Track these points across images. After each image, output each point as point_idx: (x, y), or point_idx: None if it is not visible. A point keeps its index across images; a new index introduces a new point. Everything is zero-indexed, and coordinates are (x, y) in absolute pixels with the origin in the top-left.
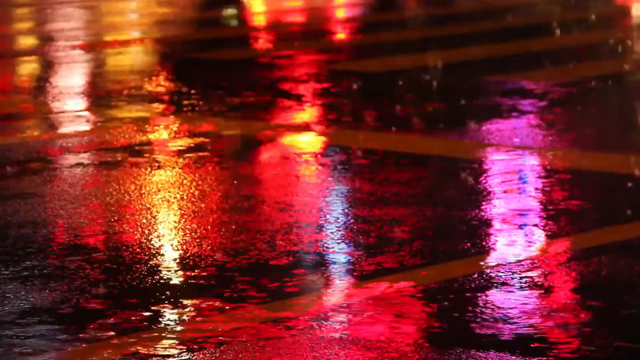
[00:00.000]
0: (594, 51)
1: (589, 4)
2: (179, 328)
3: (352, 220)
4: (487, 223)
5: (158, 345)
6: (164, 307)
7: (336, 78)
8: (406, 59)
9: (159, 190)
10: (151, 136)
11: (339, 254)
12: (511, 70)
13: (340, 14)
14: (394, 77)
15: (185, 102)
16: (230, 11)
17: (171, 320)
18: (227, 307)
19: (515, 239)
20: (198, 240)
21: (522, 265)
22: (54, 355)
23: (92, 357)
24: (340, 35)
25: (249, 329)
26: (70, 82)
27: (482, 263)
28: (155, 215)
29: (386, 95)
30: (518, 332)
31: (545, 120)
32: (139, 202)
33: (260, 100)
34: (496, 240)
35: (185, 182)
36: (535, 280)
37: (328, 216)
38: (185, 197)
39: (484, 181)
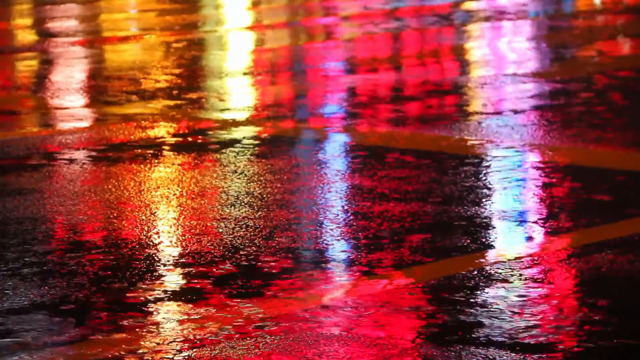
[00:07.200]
0: None
1: None
2: (178, 325)
3: (351, 217)
4: (487, 220)
5: (158, 342)
6: (163, 304)
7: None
8: None
9: (159, 187)
10: (150, 132)
11: (339, 250)
12: None
13: None
14: None
15: (185, 98)
16: None
17: (171, 317)
18: (227, 304)
19: (515, 236)
20: (197, 236)
21: (522, 262)
22: (53, 351)
23: (92, 353)
24: None
25: (248, 325)
26: (70, 78)
27: (481, 260)
28: (155, 212)
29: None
30: (518, 329)
31: None
32: (138, 198)
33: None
34: (496, 237)
35: (184, 178)
36: (535, 277)
37: (327, 213)
38: (184, 194)
39: (484, 178)
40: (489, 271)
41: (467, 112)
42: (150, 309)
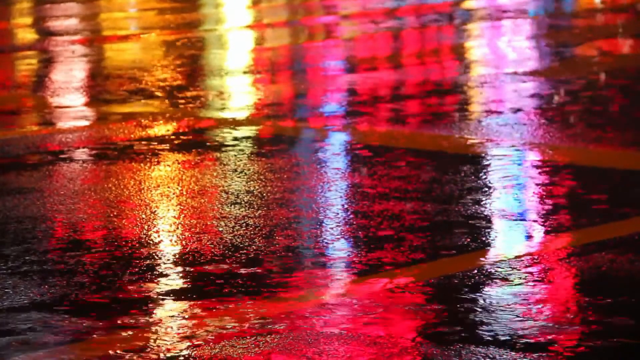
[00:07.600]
0: None
1: None
2: (178, 323)
3: (351, 216)
4: (487, 219)
5: (158, 341)
6: (163, 303)
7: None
8: None
9: (158, 186)
10: (150, 131)
11: (339, 249)
12: None
13: None
14: None
15: (185, 96)
16: None
17: (171, 316)
18: (226, 303)
19: (515, 235)
20: (197, 235)
21: (522, 261)
22: (53, 350)
23: (91, 351)
24: None
25: (248, 324)
26: (70, 77)
27: (482, 259)
28: (155, 211)
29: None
30: (518, 327)
31: None
32: (138, 197)
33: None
34: (496, 236)
35: (184, 177)
36: (535, 276)
37: (327, 211)
38: (184, 192)
39: (484, 177)
40: (489, 270)
41: (467, 111)
42: (150, 308)
